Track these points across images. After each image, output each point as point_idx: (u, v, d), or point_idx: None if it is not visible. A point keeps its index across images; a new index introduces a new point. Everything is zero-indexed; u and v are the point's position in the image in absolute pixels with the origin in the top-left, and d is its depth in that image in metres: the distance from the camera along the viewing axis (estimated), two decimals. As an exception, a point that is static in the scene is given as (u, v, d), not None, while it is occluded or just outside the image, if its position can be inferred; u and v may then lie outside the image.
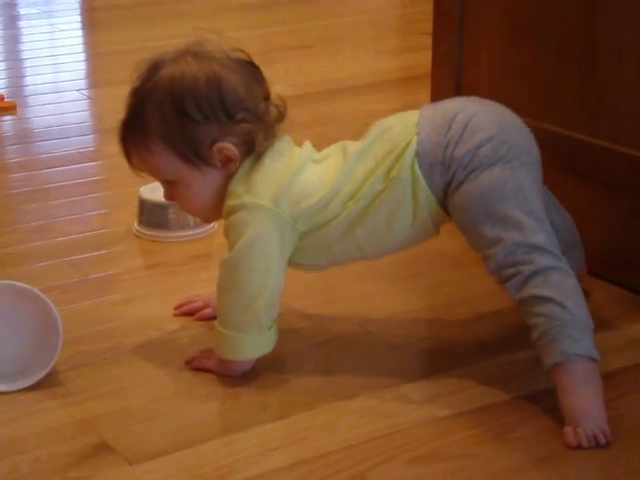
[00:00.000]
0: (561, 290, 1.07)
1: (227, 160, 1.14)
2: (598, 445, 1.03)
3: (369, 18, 2.93)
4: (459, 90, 1.49)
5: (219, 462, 1.02)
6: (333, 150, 1.20)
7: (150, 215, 1.53)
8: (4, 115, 2.11)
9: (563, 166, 1.36)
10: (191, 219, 1.52)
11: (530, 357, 1.18)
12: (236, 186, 1.14)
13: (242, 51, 1.17)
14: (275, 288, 1.13)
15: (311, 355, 1.21)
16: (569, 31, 1.32)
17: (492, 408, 1.10)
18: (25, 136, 2.01)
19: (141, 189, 1.55)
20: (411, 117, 1.16)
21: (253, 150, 1.15)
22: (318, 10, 3.01)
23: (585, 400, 1.04)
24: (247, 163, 1.15)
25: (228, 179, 1.15)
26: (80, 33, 3.02)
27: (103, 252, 1.49)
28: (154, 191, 1.55)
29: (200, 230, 1.53)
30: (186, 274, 1.42)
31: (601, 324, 1.26)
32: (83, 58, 2.66)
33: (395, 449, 1.03)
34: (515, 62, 1.40)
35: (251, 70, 1.16)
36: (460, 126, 1.12)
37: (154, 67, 1.14)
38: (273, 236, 1.12)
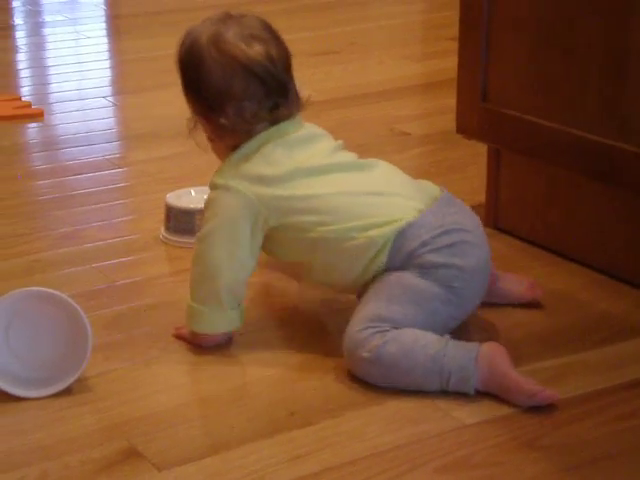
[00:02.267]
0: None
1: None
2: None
3: (394, 24, 2.93)
4: (485, 97, 1.49)
5: (247, 468, 1.02)
6: (356, 165, 1.23)
7: (177, 221, 1.53)
8: (31, 122, 2.13)
9: (590, 172, 1.35)
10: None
11: (557, 365, 1.18)
12: (228, 165, 1.21)
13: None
14: (239, 272, 1.19)
15: (335, 362, 1.21)
16: (597, 38, 1.31)
17: (519, 416, 1.09)
18: (52, 143, 2.03)
19: (168, 195, 1.56)
20: (429, 194, 1.22)
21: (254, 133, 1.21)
22: (343, 16, 3.01)
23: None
24: (252, 145, 1.20)
25: (230, 147, 1.22)
26: (105, 40, 3.04)
27: (131, 258, 1.50)
28: (180, 198, 1.56)
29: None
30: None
31: (627, 332, 1.25)
32: (108, 65, 2.68)
33: (423, 457, 1.03)
34: (542, 69, 1.39)
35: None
36: (448, 241, 1.17)
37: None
38: (245, 223, 1.18)
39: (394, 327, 1.14)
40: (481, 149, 1.60)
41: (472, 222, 1.23)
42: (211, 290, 1.19)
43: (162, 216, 1.56)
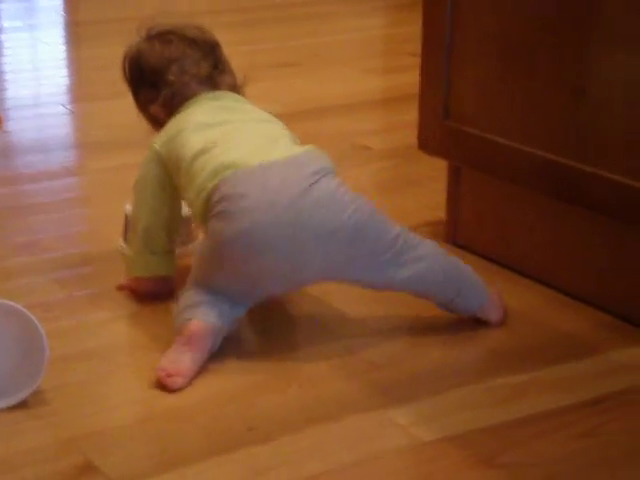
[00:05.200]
0: None
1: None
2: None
3: (356, 37, 2.94)
4: (447, 114, 1.50)
5: (205, 485, 1.01)
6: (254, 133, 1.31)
7: (136, 232, 1.52)
8: (-12, 128, 2.10)
9: (550, 191, 1.37)
10: (176, 237, 1.51)
11: (516, 382, 1.19)
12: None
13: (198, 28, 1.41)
14: (152, 218, 1.33)
15: (297, 374, 1.20)
16: (560, 57, 1.32)
17: (478, 433, 1.10)
18: (8, 150, 2.00)
19: (127, 206, 1.54)
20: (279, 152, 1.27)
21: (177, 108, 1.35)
22: (305, 29, 3.01)
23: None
24: (176, 112, 1.35)
25: None
26: (64, 48, 3.01)
27: (88, 269, 1.48)
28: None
29: (186, 247, 1.52)
30: (172, 292, 1.41)
31: (586, 350, 1.27)
32: (66, 73, 2.65)
33: (381, 475, 1.03)
34: (505, 87, 1.41)
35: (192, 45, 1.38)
36: (220, 208, 1.22)
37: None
38: (153, 174, 1.32)
39: None
40: (442, 164, 1.61)
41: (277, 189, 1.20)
42: (133, 236, 1.36)
43: (121, 227, 1.54)
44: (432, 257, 1.26)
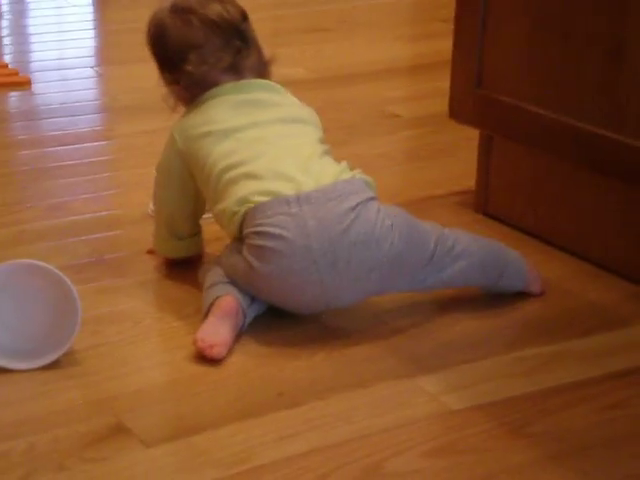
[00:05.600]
0: None
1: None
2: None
3: (384, 3, 2.91)
4: (480, 83, 1.48)
5: (234, 447, 1.02)
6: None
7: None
8: (18, 90, 2.10)
9: (584, 161, 1.35)
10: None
11: (547, 352, 1.19)
12: (183, 115, 1.32)
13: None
14: (172, 209, 1.32)
15: (325, 342, 1.21)
16: (595, 24, 1.31)
17: (507, 402, 1.10)
18: (38, 112, 2.00)
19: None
20: (315, 178, 1.21)
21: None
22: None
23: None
24: (200, 99, 1.29)
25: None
26: (91, 9, 3.00)
27: (118, 232, 1.48)
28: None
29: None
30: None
31: (616, 321, 1.26)
32: (94, 35, 2.65)
33: (411, 441, 1.03)
34: (539, 55, 1.39)
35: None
36: (258, 242, 1.20)
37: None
38: (173, 166, 1.30)
39: None
40: (472, 133, 1.60)
41: (318, 230, 1.17)
42: (159, 220, 1.36)
43: (150, 190, 1.54)
44: (469, 252, 1.25)
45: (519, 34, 1.42)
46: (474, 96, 1.49)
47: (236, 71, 1.29)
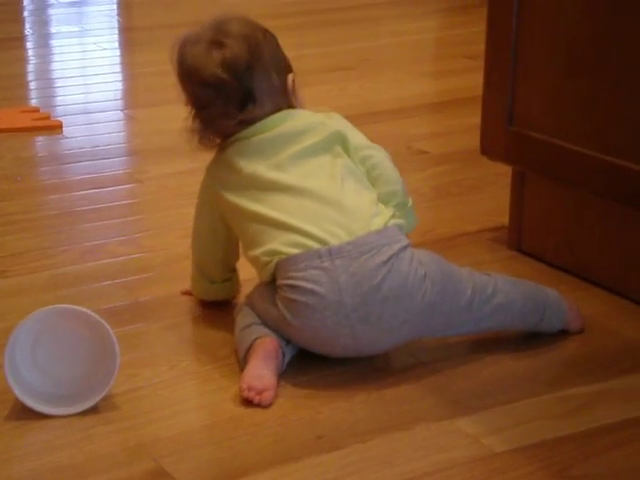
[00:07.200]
0: None
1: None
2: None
3: (407, 40, 2.93)
4: (511, 117, 1.48)
5: (276, 492, 1.01)
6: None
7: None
8: (49, 134, 2.12)
9: (620, 197, 1.34)
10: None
11: (586, 392, 1.17)
12: (214, 157, 1.30)
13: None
14: (203, 254, 1.33)
15: (363, 383, 1.20)
16: (629, 60, 1.30)
17: (549, 444, 1.08)
18: (71, 155, 2.01)
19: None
20: (348, 230, 1.19)
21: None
22: (355, 33, 3.01)
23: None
24: (226, 143, 1.27)
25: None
26: (118, 52, 3.04)
27: (152, 274, 1.49)
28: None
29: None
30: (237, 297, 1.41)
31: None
32: (122, 77, 2.67)
33: (453, 484, 1.03)
34: (572, 91, 1.38)
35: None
36: (290, 295, 1.19)
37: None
38: (203, 210, 1.31)
39: None
40: (502, 169, 1.59)
41: (348, 286, 1.16)
42: (193, 263, 1.36)
43: (182, 231, 1.55)
44: (509, 301, 1.24)
45: (551, 70, 1.41)
46: (506, 133, 1.49)
47: (249, 123, 1.25)
